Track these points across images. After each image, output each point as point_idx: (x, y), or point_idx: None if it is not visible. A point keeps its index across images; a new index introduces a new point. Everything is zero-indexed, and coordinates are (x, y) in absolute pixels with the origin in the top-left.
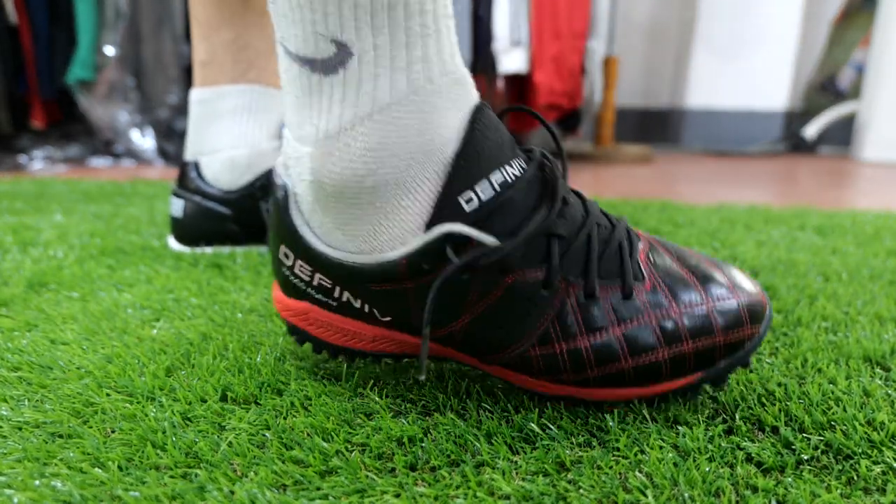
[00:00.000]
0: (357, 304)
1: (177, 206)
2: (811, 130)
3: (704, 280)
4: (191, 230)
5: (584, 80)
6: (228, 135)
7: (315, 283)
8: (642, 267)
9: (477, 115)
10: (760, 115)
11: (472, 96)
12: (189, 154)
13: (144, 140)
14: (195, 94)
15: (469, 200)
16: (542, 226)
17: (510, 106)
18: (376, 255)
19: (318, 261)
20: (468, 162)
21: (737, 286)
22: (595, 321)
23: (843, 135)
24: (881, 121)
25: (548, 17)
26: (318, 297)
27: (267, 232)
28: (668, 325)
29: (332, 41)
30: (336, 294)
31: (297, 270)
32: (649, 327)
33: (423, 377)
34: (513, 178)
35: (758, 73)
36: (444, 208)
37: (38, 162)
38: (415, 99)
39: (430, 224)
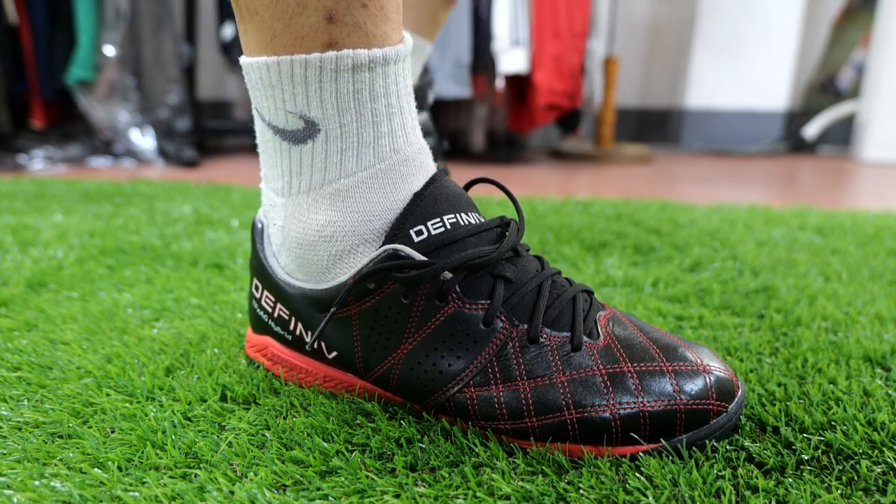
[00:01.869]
0: (307, 339)
1: None
2: (811, 130)
3: (667, 349)
4: None
5: (584, 80)
6: None
7: (276, 314)
8: (599, 327)
9: (438, 175)
10: (760, 115)
11: (433, 164)
12: None
13: (144, 140)
14: None
15: (419, 233)
16: (480, 261)
17: (478, 178)
18: (329, 283)
19: (280, 291)
20: (424, 201)
21: (704, 361)
22: (538, 368)
23: (843, 135)
24: (881, 121)
25: (548, 17)
26: (277, 329)
27: None
28: (619, 380)
29: (300, 117)
30: (291, 326)
31: (263, 302)
32: (597, 380)
33: (307, 347)
34: (467, 223)
35: (758, 73)
36: (396, 238)
37: (38, 162)
38: (381, 167)
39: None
